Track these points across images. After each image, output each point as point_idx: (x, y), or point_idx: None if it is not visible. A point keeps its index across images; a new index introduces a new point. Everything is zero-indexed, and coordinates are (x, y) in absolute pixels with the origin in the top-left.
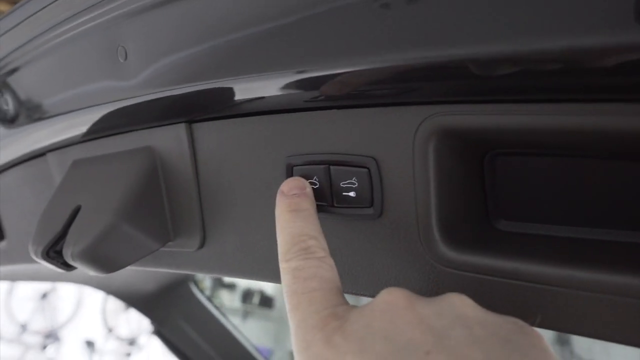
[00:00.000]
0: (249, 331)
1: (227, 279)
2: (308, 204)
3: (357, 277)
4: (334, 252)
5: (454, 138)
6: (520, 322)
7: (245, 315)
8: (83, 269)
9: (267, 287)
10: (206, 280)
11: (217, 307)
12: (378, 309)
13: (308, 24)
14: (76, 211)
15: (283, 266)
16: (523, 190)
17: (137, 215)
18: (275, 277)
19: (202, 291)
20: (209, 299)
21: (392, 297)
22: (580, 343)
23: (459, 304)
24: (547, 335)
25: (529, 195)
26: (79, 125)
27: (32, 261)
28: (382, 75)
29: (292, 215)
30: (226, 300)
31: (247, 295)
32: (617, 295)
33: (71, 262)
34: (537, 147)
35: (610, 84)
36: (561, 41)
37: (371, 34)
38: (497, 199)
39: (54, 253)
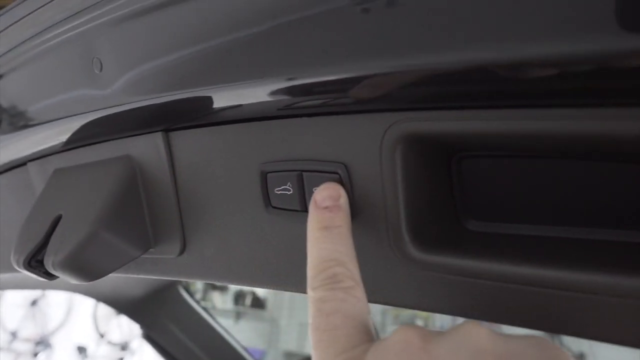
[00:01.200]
0: (242, 333)
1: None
2: (341, 220)
3: None
4: (306, 255)
5: (419, 143)
6: (543, 343)
7: (238, 316)
8: (65, 278)
9: (259, 289)
10: (197, 283)
11: (206, 310)
12: (393, 350)
13: (276, 35)
14: (57, 220)
15: (310, 294)
16: (491, 191)
17: (117, 223)
18: (252, 280)
19: (192, 294)
20: (198, 301)
21: (407, 337)
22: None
23: (475, 337)
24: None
25: (498, 195)
26: (58, 134)
27: (17, 270)
28: (346, 84)
29: (323, 234)
30: (218, 302)
31: (239, 297)
32: (589, 293)
33: (52, 272)
34: (502, 150)
35: (568, 89)
36: (522, 49)
37: (338, 43)
38: (465, 199)
39: (35, 262)
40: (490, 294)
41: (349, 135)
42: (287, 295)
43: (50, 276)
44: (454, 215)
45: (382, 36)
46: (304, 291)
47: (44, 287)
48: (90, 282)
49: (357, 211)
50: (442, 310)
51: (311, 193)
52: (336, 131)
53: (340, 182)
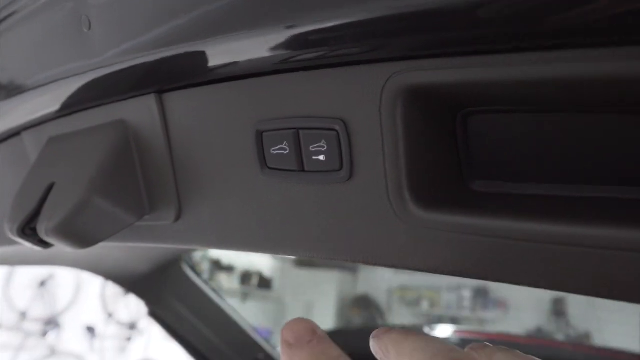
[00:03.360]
0: (248, 312)
1: (226, 261)
2: (336, 350)
3: (330, 241)
4: (306, 218)
5: (422, 97)
6: None
7: (245, 297)
8: (59, 245)
9: (266, 268)
10: (204, 262)
11: (211, 288)
12: None
13: None
14: (50, 188)
15: None
16: (498, 150)
17: (110, 189)
18: (250, 246)
19: (198, 273)
20: (202, 278)
21: None
22: (575, 315)
23: None
24: (543, 308)
25: (505, 155)
26: (50, 100)
27: (13, 243)
28: (342, 31)
29: None
30: (225, 283)
31: (245, 277)
32: (602, 249)
33: (46, 239)
34: (510, 101)
35: (583, 27)
36: None
37: None
38: (471, 159)
39: (29, 230)
40: (496, 251)
41: (346, 89)
42: (293, 275)
43: (45, 244)
44: (458, 176)
45: None
46: (300, 255)
47: (45, 263)
48: (93, 258)
49: (356, 170)
50: (446, 270)
51: (308, 152)
52: (333, 85)
53: (338, 139)
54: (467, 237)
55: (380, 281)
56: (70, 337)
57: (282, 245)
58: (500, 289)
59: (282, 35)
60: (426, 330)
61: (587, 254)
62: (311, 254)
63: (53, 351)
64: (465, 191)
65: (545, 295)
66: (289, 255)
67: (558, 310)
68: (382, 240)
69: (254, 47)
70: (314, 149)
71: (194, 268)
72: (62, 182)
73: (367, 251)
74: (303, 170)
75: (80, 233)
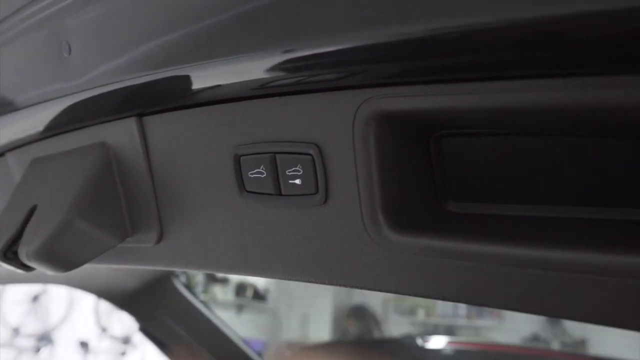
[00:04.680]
0: (243, 325)
1: (220, 274)
2: None
3: (306, 264)
4: (283, 241)
5: (394, 121)
6: None
7: (240, 309)
8: (40, 268)
9: (260, 281)
10: (199, 275)
11: (203, 302)
12: None
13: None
14: (32, 210)
15: None
16: (472, 171)
17: (92, 211)
18: (229, 268)
19: (192, 287)
20: (195, 294)
21: None
22: (571, 322)
23: None
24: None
25: (479, 176)
26: (32, 122)
27: None
28: (319, 58)
29: None
30: (219, 295)
31: (240, 289)
32: (576, 272)
33: (27, 262)
34: (481, 126)
35: (545, 57)
36: (499, 14)
37: (308, 16)
38: (445, 180)
39: (11, 254)
40: (471, 275)
41: (321, 114)
42: (287, 286)
43: (26, 267)
44: (432, 197)
45: (352, 8)
46: (278, 277)
47: (34, 281)
48: (83, 275)
49: (331, 193)
50: (421, 293)
51: (285, 176)
52: (308, 110)
53: (313, 163)
54: (441, 260)
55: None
56: (64, 353)
57: (260, 267)
58: None
59: (260, 62)
60: (419, 342)
61: (562, 277)
62: (288, 277)
63: None
64: (439, 212)
65: None
66: (267, 277)
67: (552, 318)
68: (357, 264)
69: (233, 72)
70: (290, 173)
71: (188, 281)
72: (44, 205)
73: (342, 274)
74: (280, 194)
75: (61, 256)
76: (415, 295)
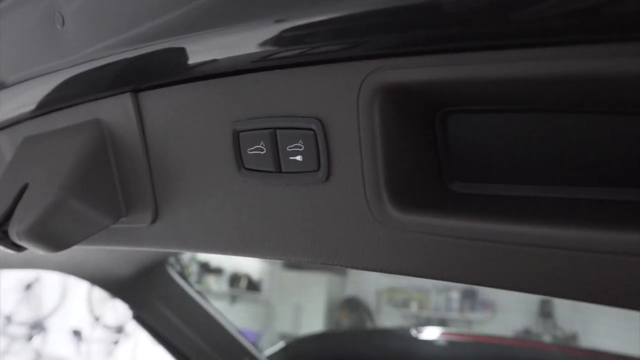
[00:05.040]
0: (237, 315)
1: (214, 264)
2: None
3: (307, 244)
4: (283, 220)
5: (400, 95)
6: None
7: (233, 299)
8: (31, 248)
9: (254, 271)
10: (193, 265)
11: (197, 290)
12: None
13: None
14: (24, 189)
15: None
16: (478, 151)
17: (85, 190)
18: (227, 248)
19: (187, 276)
20: (190, 281)
21: None
22: (562, 316)
23: None
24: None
25: (485, 156)
26: (24, 100)
27: None
28: (321, 27)
29: None
30: (213, 285)
31: (234, 280)
32: (582, 251)
33: (17, 242)
34: (489, 101)
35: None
36: None
37: None
38: (450, 160)
39: (2, 233)
40: (477, 255)
41: (324, 88)
42: (281, 277)
43: (18, 247)
44: (437, 176)
45: None
46: (277, 257)
47: (26, 266)
48: (76, 261)
49: (334, 170)
50: (425, 273)
51: (285, 152)
52: (311, 83)
53: (315, 139)
54: (446, 239)
55: (369, 283)
56: (56, 341)
57: (259, 247)
58: (488, 291)
59: (261, 32)
60: (413, 333)
61: (568, 256)
62: (288, 257)
63: (39, 355)
64: (444, 192)
65: (533, 297)
66: (266, 257)
67: (545, 312)
68: (359, 243)
69: (232, 43)
70: (291, 149)
71: (182, 271)
72: (36, 183)
73: (344, 254)
74: (280, 171)
75: (53, 236)
76: (419, 275)
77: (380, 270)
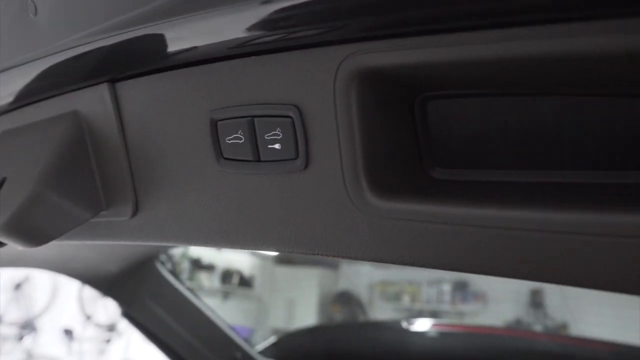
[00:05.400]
0: (230, 311)
1: (206, 260)
2: None
3: (287, 233)
4: (262, 210)
5: (377, 79)
6: None
7: (225, 295)
8: (10, 243)
9: (246, 267)
10: (184, 262)
11: (187, 286)
12: None
13: None
14: (1, 184)
15: None
16: (459, 136)
17: (63, 183)
18: (209, 240)
19: (178, 273)
20: (182, 277)
21: None
22: (553, 306)
23: None
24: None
25: (466, 141)
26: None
27: None
28: (297, 10)
29: None
30: (205, 282)
31: (226, 276)
32: (562, 233)
33: None
34: (467, 84)
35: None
36: None
37: None
38: (430, 146)
39: None
40: (458, 240)
41: (300, 73)
42: (273, 273)
43: None
44: (417, 163)
45: None
46: (259, 248)
47: (12, 264)
48: (63, 259)
49: (312, 158)
50: (405, 261)
51: (264, 141)
52: (287, 69)
53: (293, 126)
54: (426, 225)
55: (361, 277)
56: (47, 341)
57: (239, 238)
58: (479, 283)
59: (237, 16)
60: (404, 324)
61: (550, 240)
62: (269, 247)
63: (30, 355)
64: (424, 179)
65: (523, 288)
66: (246, 248)
67: (536, 302)
68: (340, 231)
69: (209, 29)
70: (269, 138)
71: (173, 268)
72: (13, 177)
73: (324, 242)
74: (259, 160)
75: (31, 230)
76: (400, 263)
77: (361, 259)
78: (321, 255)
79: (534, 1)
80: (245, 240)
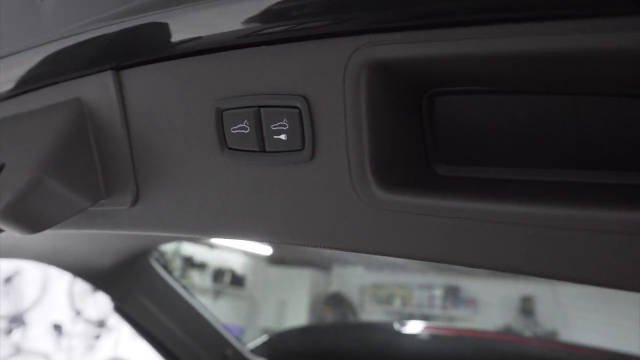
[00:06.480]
0: (221, 310)
1: (198, 259)
2: None
3: (291, 225)
4: (266, 201)
5: (387, 73)
6: None
7: (217, 294)
8: (7, 229)
9: (238, 266)
10: (176, 260)
11: (180, 283)
12: None
13: None
14: (0, 170)
15: None
16: (465, 133)
17: (63, 170)
18: (210, 231)
19: (170, 271)
20: (174, 275)
21: None
22: (543, 313)
23: None
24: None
25: (472, 138)
26: (2, 79)
27: None
28: (308, 1)
29: None
30: (197, 280)
31: (218, 275)
32: (566, 229)
33: None
34: (476, 80)
35: None
36: None
37: None
38: (437, 142)
39: None
40: (462, 234)
41: (310, 64)
42: (265, 272)
43: None
44: (423, 159)
45: None
46: (262, 240)
47: (5, 255)
48: (56, 251)
49: (318, 149)
50: (408, 254)
51: (269, 131)
52: (296, 60)
53: (300, 117)
54: (430, 219)
55: (353, 279)
56: (36, 335)
57: (243, 230)
58: (470, 289)
59: (247, 6)
60: (396, 326)
61: (554, 235)
62: (272, 239)
63: (18, 350)
64: (429, 175)
65: (514, 294)
66: (249, 240)
67: (526, 309)
68: (344, 223)
69: (217, 18)
70: (275, 128)
71: (165, 265)
72: (12, 163)
73: (328, 235)
74: (264, 151)
75: (29, 216)
76: (403, 256)
77: (364, 251)
78: (324, 247)
79: None
80: (247, 231)
